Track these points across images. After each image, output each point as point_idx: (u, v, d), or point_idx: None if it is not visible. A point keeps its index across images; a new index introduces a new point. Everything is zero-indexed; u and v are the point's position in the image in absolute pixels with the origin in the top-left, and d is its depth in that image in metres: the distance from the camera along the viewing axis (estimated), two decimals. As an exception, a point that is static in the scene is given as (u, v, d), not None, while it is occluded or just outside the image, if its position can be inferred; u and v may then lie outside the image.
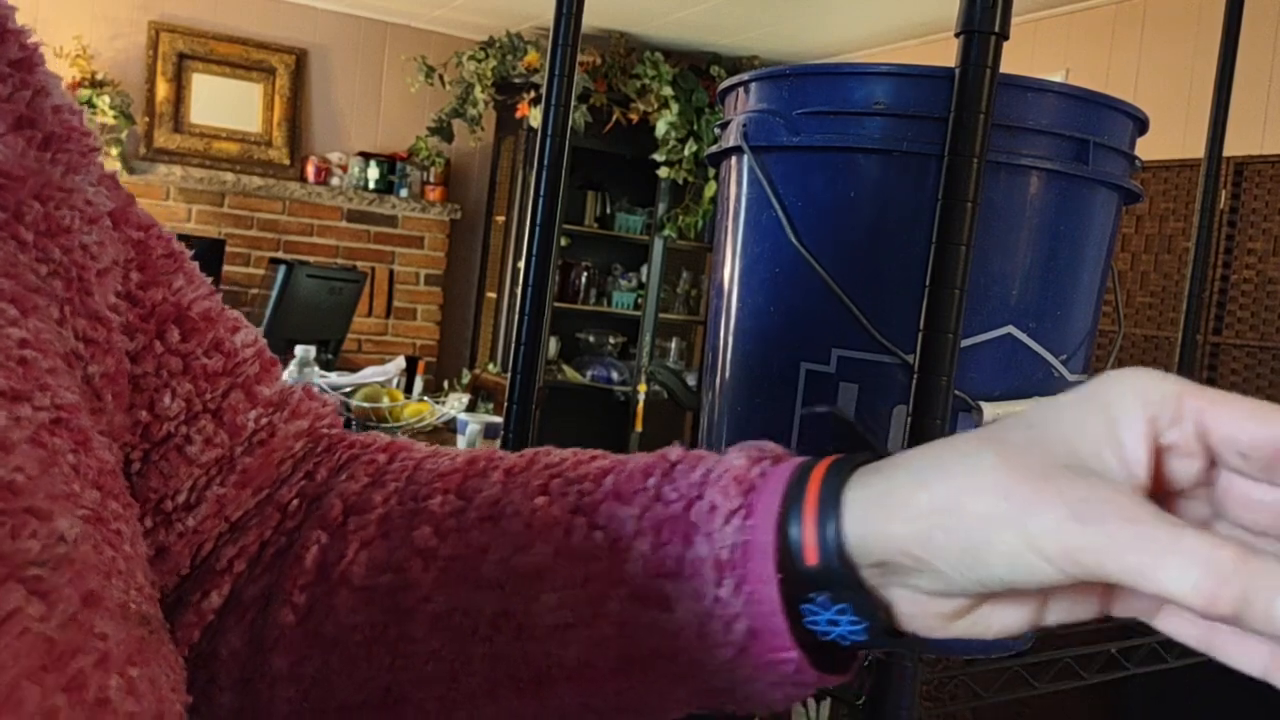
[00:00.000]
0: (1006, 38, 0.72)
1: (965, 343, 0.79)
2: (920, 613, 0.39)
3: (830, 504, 0.38)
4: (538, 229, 1.14)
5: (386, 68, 5.12)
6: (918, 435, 0.74)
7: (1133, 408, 0.34)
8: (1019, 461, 0.34)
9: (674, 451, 0.45)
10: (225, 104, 4.84)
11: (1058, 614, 0.37)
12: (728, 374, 0.91)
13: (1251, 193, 2.99)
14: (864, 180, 0.82)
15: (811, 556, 0.38)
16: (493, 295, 5.19)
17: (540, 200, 1.14)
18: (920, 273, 0.75)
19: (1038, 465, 0.34)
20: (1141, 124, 0.90)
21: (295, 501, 0.49)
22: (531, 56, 4.67)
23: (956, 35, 0.74)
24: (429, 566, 0.45)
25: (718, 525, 0.40)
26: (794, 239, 0.84)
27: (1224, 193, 2.99)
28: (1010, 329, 0.83)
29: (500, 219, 5.15)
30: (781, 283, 0.85)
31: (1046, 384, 0.85)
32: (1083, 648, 0.91)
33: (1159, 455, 0.34)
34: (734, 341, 0.91)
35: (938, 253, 0.73)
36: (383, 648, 0.45)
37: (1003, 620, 0.38)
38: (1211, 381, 3.03)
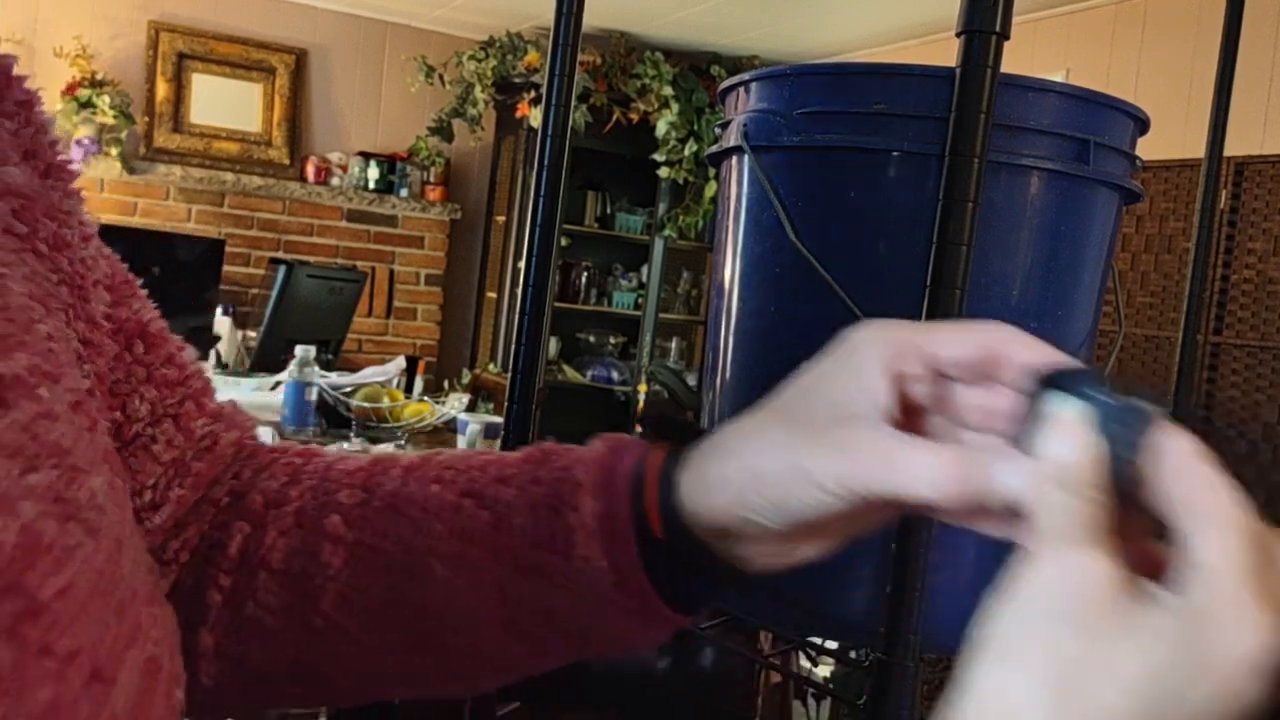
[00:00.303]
0: (1007, 37, 0.72)
1: None
2: (758, 555, 0.48)
3: (667, 489, 0.48)
4: (538, 229, 1.14)
5: (386, 68, 5.12)
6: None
7: (873, 356, 0.44)
8: (797, 430, 0.44)
9: (547, 445, 0.54)
10: (225, 104, 4.84)
11: (870, 523, 0.47)
12: (728, 374, 0.91)
13: (1252, 193, 2.99)
14: (864, 180, 0.82)
15: (659, 533, 0.48)
16: (493, 295, 5.19)
17: (540, 200, 1.13)
18: (921, 273, 0.75)
19: (810, 426, 0.44)
20: (1142, 124, 0.90)
21: (226, 499, 0.56)
22: (531, 56, 4.67)
23: (957, 35, 0.74)
24: (338, 550, 0.52)
25: (583, 500, 0.49)
26: (794, 239, 0.84)
27: (1224, 193, 2.99)
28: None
29: (500, 219, 5.15)
30: (782, 283, 0.85)
31: None
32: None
33: (902, 384, 0.43)
34: (734, 341, 0.91)
35: (938, 253, 0.73)
36: (296, 625, 0.52)
37: (830, 540, 0.48)
38: (1212, 382, 3.03)
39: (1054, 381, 0.39)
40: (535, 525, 0.50)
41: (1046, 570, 0.37)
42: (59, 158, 0.50)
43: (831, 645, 0.87)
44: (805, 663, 2.43)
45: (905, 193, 0.81)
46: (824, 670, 2.85)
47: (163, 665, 0.39)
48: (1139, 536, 0.37)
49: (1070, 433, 0.37)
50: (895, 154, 0.80)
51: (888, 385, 0.43)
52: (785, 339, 0.86)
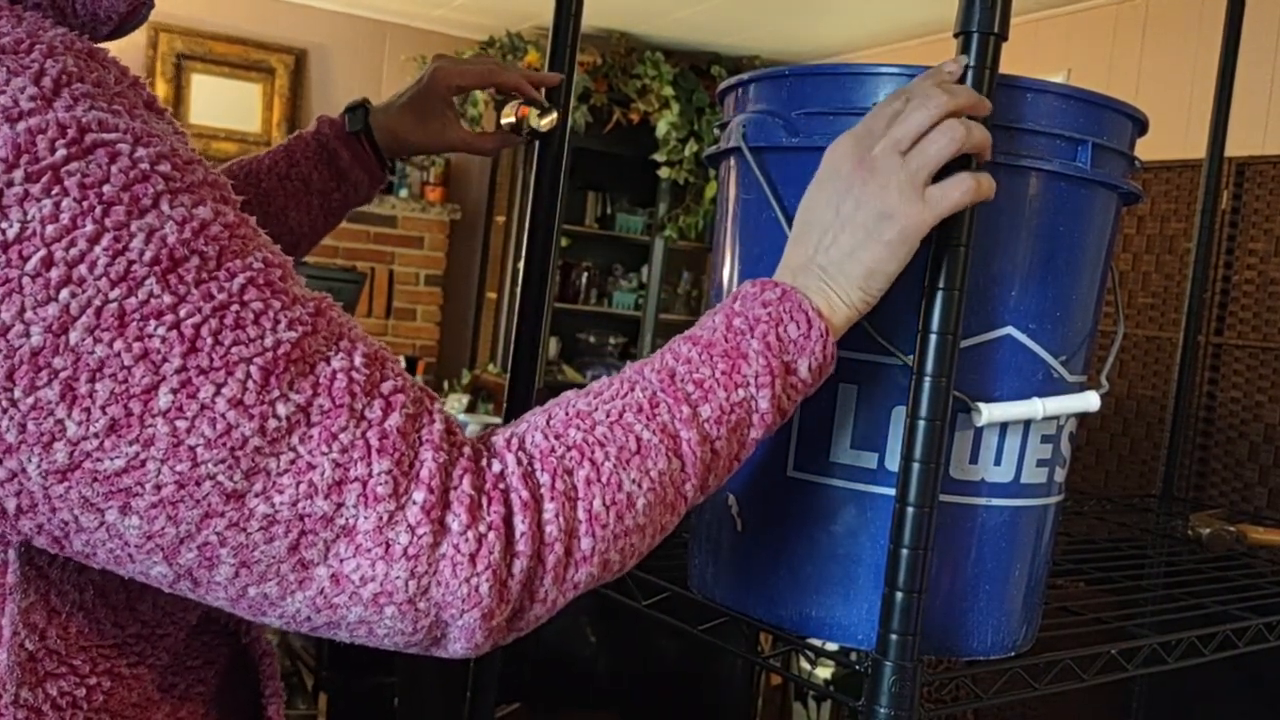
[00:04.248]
0: (1005, 38, 0.72)
1: (964, 343, 0.78)
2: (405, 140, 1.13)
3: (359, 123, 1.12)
4: (538, 229, 1.14)
5: (386, 68, 5.12)
6: (918, 437, 0.73)
7: (435, 86, 1.13)
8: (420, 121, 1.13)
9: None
10: (224, 104, 4.83)
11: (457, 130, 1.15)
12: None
13: (1253, 193, 2.99)
14: None
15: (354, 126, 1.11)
16: (493, 295, 5.19)
17: (540, 200, 1.13)
18: (919, 273, 0.75)
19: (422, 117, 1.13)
20: (1141, 125, 0.90)
21: None
22: (531, 56, 4.67)
23: (955, 36, 0.73)
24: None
25: (325, 128, 1.12)
26: None
27: (1226, 193, 2.98)
28: (1009, 330, 0.83)
29: (500, 219, 5.14)
30: None
31: (1046, 385, 0.84)
32: (1083, 649, 0.90)
33: (450, 93, 1.14)
34: (733, 342, 0.90)
35: (937, 253, 0.73)
36: None
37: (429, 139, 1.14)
38: (1214, 383, 3.03)
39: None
40: (322, 160, 1.11)
41: (835, 150, 0.73)
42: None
43: (831, 647, 0.87)
44: (805, 664, 2.43)
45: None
46: (824, 672, 2.84)
47: None
48: None
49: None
50: (894, 154, 0.80)
51: (444, 95, 1.12)
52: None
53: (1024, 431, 0.84)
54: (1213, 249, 2.84)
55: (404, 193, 5.13)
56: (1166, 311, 3.16)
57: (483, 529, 0.55)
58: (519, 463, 0.58)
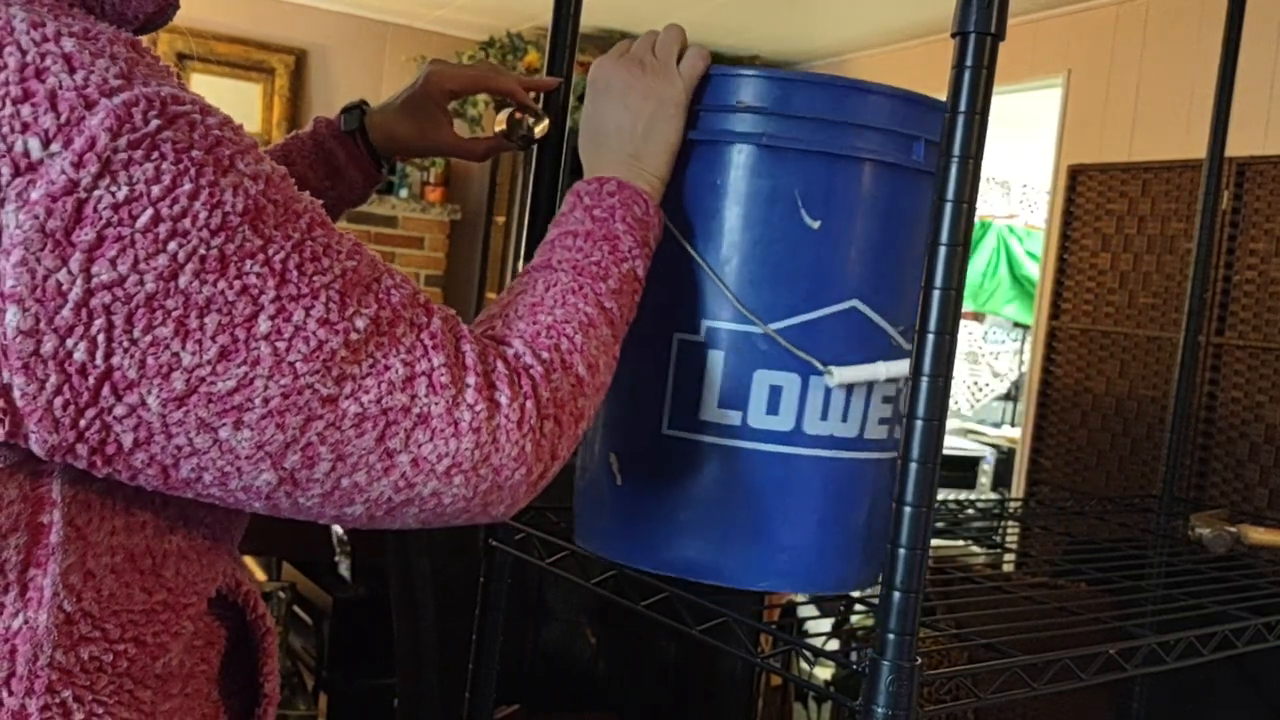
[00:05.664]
0: (1002, 39, 0.72)
1: (817, 314, 0.89)
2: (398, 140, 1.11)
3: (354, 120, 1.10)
4: (538, 229, 1.14)
5: (386, 68, 5.12)
6: (916, 437, 0.73)
7: (432, 88, 1.08)
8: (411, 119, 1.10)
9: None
10: (225, 104, 4.70)
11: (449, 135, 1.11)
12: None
13: (1254, 193, 2.99)
14: (727, 168, 0.91)
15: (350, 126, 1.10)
16: (493, 296, 5.19)
17: (540, 200, 1.13)
18: (775, 250, 0.88)
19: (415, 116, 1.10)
20: None
21: None
22: (531, 56, 4.67)
23: (952, 36, 0.74)
24: None
25: (322, 127, 1.10)
26: (665, 219, 0.91)
27: (1226, 193, 2.98)
28: (855, 302, 0.91)
29: (500, 219, 5.14)
30: (663, 257, 0.90)
31: (886, 351, 0.92)
32: (1082, 649, 0.90)
33: (441, 97, 1.09)
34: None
35: (935, 254, 0.73)
36: None
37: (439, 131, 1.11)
38: (1215, 383, 3.03)
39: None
40: (319, 156, 1.10)
41: (601, 67, 0.90)
42: None
43: (830, 647, 0.87)
44: (805, 665, 2.42)
45: (761, 179, 0.90)
46: (824, 672, 2.84)
47: None
48: None
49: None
50: (754, 146, 0.89)
51: (438, 99, 1.08)
52: (662, 310, 0.92)
53: (867, 393, 0.92)
54: (1213, 249, 2.84)
55: (404, 193, 5.13)
56: (1167, 312, 3.16)
57: (522, 399, 0.67)
58: (524, 344, 0.70)
